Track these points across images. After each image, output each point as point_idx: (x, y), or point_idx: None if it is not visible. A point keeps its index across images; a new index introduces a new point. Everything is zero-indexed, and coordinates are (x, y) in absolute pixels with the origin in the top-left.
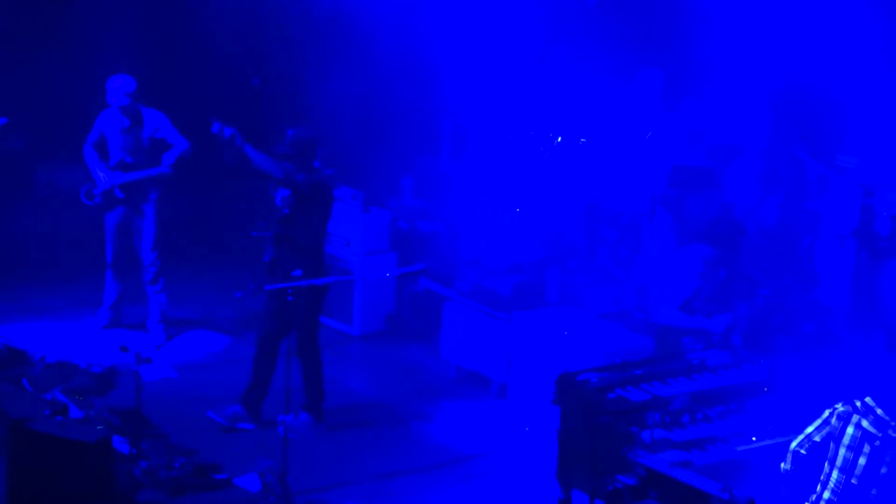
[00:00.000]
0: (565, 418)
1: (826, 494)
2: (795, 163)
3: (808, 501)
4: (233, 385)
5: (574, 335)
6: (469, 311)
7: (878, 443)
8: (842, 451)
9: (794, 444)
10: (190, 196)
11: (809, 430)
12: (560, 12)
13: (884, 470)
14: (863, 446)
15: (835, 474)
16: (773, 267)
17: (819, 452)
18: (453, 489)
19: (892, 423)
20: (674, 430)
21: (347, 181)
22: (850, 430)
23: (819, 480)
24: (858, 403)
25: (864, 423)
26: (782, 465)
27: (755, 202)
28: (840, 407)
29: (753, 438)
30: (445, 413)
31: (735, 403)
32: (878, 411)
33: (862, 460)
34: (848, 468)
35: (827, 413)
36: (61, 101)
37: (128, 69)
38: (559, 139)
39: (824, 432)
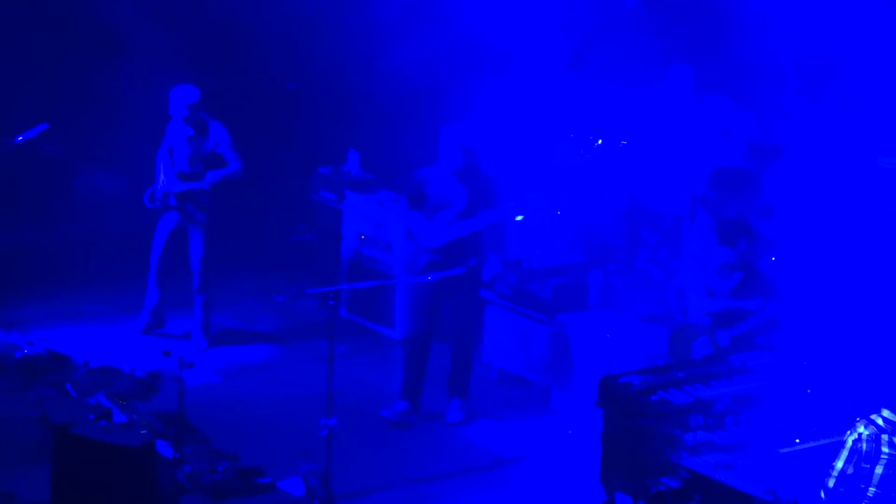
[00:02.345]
0: (608, 421)
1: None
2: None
3: None
4: (276, 389)
5: (615, 338)
6: (510, 314)
7: None
8: (878, 470)
9: (831, 483)
10: (231, 200)
11: (839, 465)
12: (597, 11)
13: None
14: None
15: (871, 490)
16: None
17: (857, 479)
18: (495, 492)
19: None
20: (717, 433)
21: (389, 185)
22: (885, 448)
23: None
24: (880, 421)
25: None
26: (821, 493)
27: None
28: (863, 430)
29: (797, 440)
30: (487, 416)
31: (778, 405)
32: None
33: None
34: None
35: (851, 441)
36: (101, 106)
37: (166, 74)
38: (599, 141)
39: (854, 462)
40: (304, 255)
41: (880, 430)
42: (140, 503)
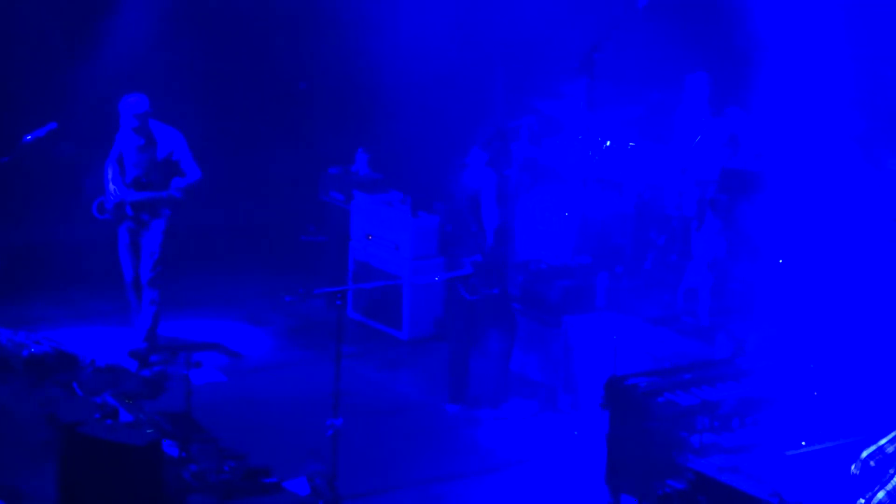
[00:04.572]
0: (614, 423)
1: (880, 494)
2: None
3: (862, 499)
4: (283, 389)
5: (623, 340)
6: (517, 315)
7: None
8: None
9: (865, 454)
10: (240, 200)
11: (883, 441)
12: (608, 16)
13: None
14: None
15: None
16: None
17: (889, 462)
18: (501, 493)
19: None
20: (723, 435)
21: (396, 185)
22: None
23: (879, 481)
24: None
25: None
26: (852, 467)
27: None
28: None
29: (803, 443)
30: (494, 417)
31: (784, 407)
32: None
33: None
34: None
35: None
36: (111, 106)
37: (175, 74)
38: (608, 143)
39: None
40: (314, 255)
41: None
42: (146, 502)
